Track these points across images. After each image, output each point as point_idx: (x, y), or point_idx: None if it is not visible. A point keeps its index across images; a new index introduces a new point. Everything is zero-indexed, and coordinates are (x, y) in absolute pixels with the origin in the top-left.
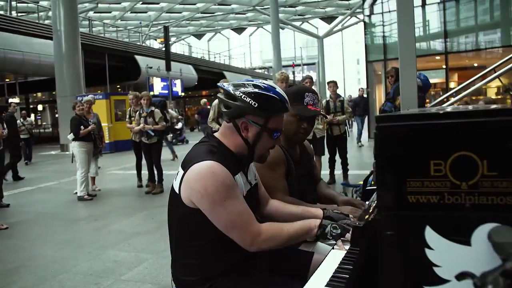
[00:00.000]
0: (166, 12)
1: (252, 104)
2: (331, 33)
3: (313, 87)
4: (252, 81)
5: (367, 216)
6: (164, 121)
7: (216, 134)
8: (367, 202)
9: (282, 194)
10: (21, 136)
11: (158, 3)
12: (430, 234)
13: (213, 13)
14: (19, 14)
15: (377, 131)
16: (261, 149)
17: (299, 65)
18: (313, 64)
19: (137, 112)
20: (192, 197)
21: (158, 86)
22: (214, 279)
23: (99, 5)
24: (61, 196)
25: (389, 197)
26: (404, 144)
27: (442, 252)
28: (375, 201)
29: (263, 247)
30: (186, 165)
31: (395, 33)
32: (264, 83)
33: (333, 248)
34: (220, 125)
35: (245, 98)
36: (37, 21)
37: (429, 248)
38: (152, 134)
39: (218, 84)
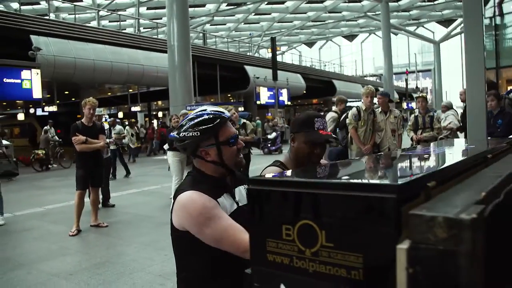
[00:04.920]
0: (278, 22)
1: (196, 134)
2: (448, 37)
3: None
4: (188, 116)
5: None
6: (254, 133)
7: (196, 165)
8: None
9: None
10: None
11: (269, 14)
12: None
13: (324, 21)
14: (143, 30)
15: (247, 192)
16: (229, 159)
17: (413, 72)
18: (429, 70)
19: None
20: (181, 222)
21: (264, 96)
22: None
23: (215, 18)
24: (159, 200)
25: (256, 252)
26: (266, 206)
27: None
28: None
29: None
30: (175, 196)
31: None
32: (196, 112)
33: None
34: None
35: (189, 134)
36: (155, 37)
37: None
38: (243, 144)
39: (173, 114)
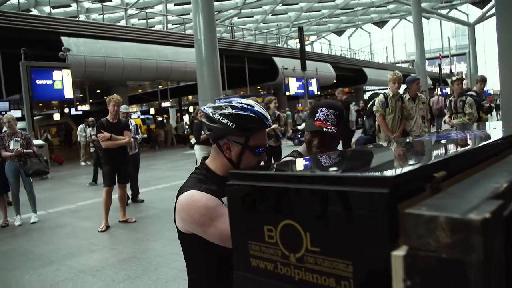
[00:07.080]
0: (306, 12)
1: (230, 125)
2: (483, 18)
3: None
4: (231, 102)
5: None
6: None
7: (207, 161)
8: None
9: None
10: None
11: (297, 4)
12: None
13: (353, 8)
14: (172, 27)
15: (227, 187)
16: (245, 167)
17: (447, 56)
18: (463, 54)
19: None
20: (185, 225)
21: (293, 86)
22: None
23: (242, 10)
24: None
25: (238, 256)
26: (247, 204)
27: None
28: None
29: None
30: (177, 196)
31: None
32: (241, 103)
33: None
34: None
35: (223, 120)
36: (183, 32)
37: None
38: (280, 136)
39: (199, 108)
